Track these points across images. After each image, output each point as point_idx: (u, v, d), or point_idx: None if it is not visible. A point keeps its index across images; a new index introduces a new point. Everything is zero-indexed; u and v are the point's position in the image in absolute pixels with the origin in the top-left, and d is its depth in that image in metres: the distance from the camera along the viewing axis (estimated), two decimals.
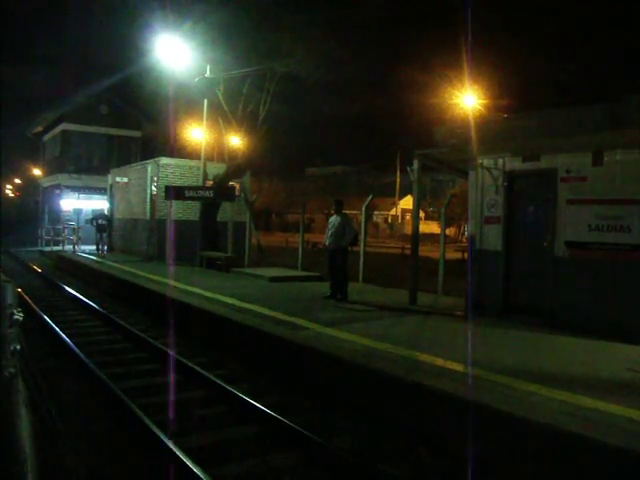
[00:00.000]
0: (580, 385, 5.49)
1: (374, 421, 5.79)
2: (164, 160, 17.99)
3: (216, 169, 17.55)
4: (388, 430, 5.60)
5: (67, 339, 8.77)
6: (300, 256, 16.43)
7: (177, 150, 30.15)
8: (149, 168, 18.60)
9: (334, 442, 5.21)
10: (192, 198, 16.42)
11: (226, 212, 17.22)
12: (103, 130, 30.26)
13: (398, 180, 62.69)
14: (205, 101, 16.61)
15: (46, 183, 33.88)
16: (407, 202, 71.55)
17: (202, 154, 16.82)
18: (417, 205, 10.82)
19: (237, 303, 10.05)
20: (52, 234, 26.06)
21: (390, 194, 74.30)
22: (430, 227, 66.16)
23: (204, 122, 16.74)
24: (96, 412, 6.04)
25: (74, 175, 29.60)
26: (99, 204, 30.29)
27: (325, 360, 6.71)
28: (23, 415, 2.06)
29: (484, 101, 47.75)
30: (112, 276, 14.39)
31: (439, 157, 10.74)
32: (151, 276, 14.00)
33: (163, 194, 17.55)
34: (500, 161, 9.43)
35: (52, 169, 32.03)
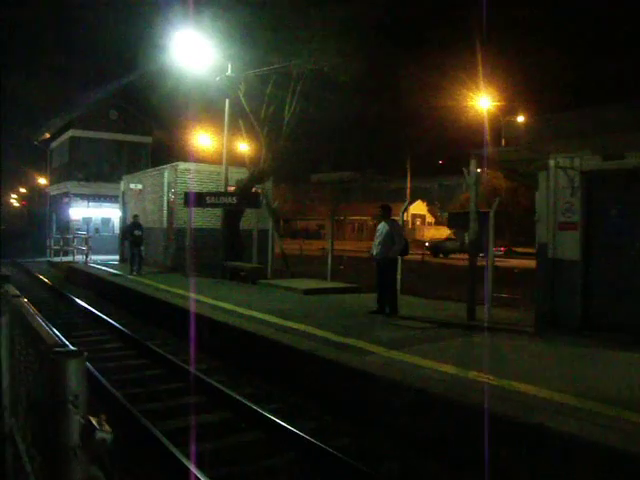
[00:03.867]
0: None
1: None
2: (182, 165, 16.94)
3: (238, 174, 16.54)
4: None
5: (89, 366, 7.71)
6: (329, 266, 15.38)
7: (183, 156, 29.29)
8: (166, 174, 17.57)
9: None
10: (214, 205, 15.40)
11: (250, 219, 16.21)
12: (112, 136, 29.26)
13: (409, 185, 61.60)
14: (227, 101, 15.60)
15: (54, 191, 32.89)
16: (417, 208, 70.55)
17: (223, 158, 15.78)
18: (475, 210, 9.74)
19: (278, 321, 8.97)
20: (61, 244, 25.04)
21: (398, 200, 73.10)
22: (441, 232, 65.06)
23: (225, 124, 15.73)
24: (141, 463, 4.98)
25: (83, 182, 28.57)
26: (109, 212, 29.35)
27: (406, 393, 5.64)
28: None
29: (498, 103, 46.61)
30: (130, 290, 13.34)
31: (500, 157, 9.71)
32: (173, 289, 12.95)
33: (181, 201, 16.53)
34: (577, 160, 8.36)
35: (60, 177, 31.04)
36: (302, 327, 8.51)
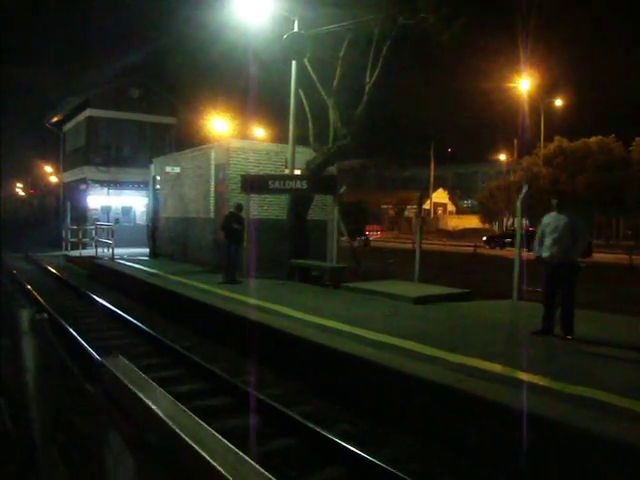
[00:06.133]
0: None
1: None
2: (235, 143, 14.15)
3: (300, 154, 13.80)
4: None
5: None
6: (417, 265, 12.73)
7: (198, 142, 26.66)
8: (213, 154, 14.81)
9: None
10: (278, 190, 12.71)
11: (320, 209, 13.57)
12: (134, 116, 26.40)
13: (432, 173, 58.77)
14: (293, 65, 12.88)
15: (68, 178, 30.08)
16: (438, 196, 67.80)
17: (290, 135, 13.07)
18: None
19: (437, 353, 6.29)
20: (80, 236, 22.40)
21: (413, 188, 70.34)
22: (464, 221, 62.23)
23: (292, 91, 13.01)
24: None
25: (102, 167, 25.79)
26: (130, 200, 26.72)
27: None
28: None
29: (535, 85, 43.44)
30: (184, 298, 10.62)
31: None
32: (239, 297, 10.29)
33: (235, 186, 13.88)
34: None
35: (75, 162, 28.22)
36: (479, 363, 5.87)
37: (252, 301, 9.71)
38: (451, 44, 11.36)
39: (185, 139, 26.87)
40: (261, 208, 14.05)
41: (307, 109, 14.05)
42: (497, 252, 32.73)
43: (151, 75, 26.87)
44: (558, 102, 44.05)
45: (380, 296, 10.36)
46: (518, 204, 11.39)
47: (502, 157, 62.13)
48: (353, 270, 14.01)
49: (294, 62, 12.86)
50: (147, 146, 26.34)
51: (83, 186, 26.15)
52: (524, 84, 39.12)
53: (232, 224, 11.65)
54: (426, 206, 64.00)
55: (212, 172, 14.85)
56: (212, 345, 8.73)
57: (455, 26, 11.00)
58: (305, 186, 12.36)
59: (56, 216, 30.86)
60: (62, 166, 31.78)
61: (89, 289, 14.15)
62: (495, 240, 37.63)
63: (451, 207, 70.73)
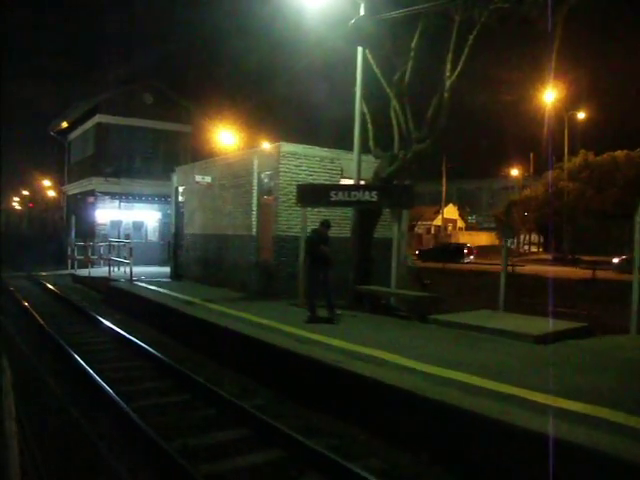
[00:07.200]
0: None
1: None
2: (287, 147, 12.02)
3: (362, 162, 11.77)
4: None
5: None
6: (502, 292, 10.70)
7: (209, 151, 24.80)
8: (256, 160, 12.76)
9: None
10: (342, 203, 10.70)
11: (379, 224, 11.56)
12: (147, 123, 24.35)
13: (444, 188, 56.88)
14: (359, 53, 10.96)
15: (73, 190, 27.93)
16: (448, 212, 65.89)
17: (355, 137, 11.10)
18: None
19: None
20: (90, 253, 20.31)
21: (418, 203, 68.21)
22: (474, 238, 60.09)
23: (358, 85, 11.10)
24: None
25: (112, 178, 23.68)
26: (141, 215, 24.64)
27: None
28: None
29: (560, 95, 41.49)
30: (238, 335, 8.53)
31: None
32: (316, 337, 8.23)
33: (284, 197, 11.88)
34: None
35: (82, 172, 26.06)
36: None
37: (337, 343, 7.63)
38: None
39: (201, 148, 24.97)
40: (313, 225, 11.94)
41: (366, 110, 12.11)
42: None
43: (165, 80, 25.03)
44: (580, 115, 42.40)
45: (488, 333, 8.27)
46: (638, 219, 9.44)
47: (514, 172, 60.30)
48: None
49: (360, 50, 10.93)
50: (161, 155, 24.32)
51: (91, 199, 24.03)
52: (549, 96, 37.34)
53: (319, 246, 9.47)
54: (437, 222, 62.11)
55: (255, 181, 12.77)
56: (300, 408, 6.61)
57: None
58: (375, 198, 10.32)
59: (60, 231, 28.71)
60: (67, 177, 29.61)
61: (105, 316, 12.10)
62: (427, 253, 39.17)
63: (461, 223, 68.93)
